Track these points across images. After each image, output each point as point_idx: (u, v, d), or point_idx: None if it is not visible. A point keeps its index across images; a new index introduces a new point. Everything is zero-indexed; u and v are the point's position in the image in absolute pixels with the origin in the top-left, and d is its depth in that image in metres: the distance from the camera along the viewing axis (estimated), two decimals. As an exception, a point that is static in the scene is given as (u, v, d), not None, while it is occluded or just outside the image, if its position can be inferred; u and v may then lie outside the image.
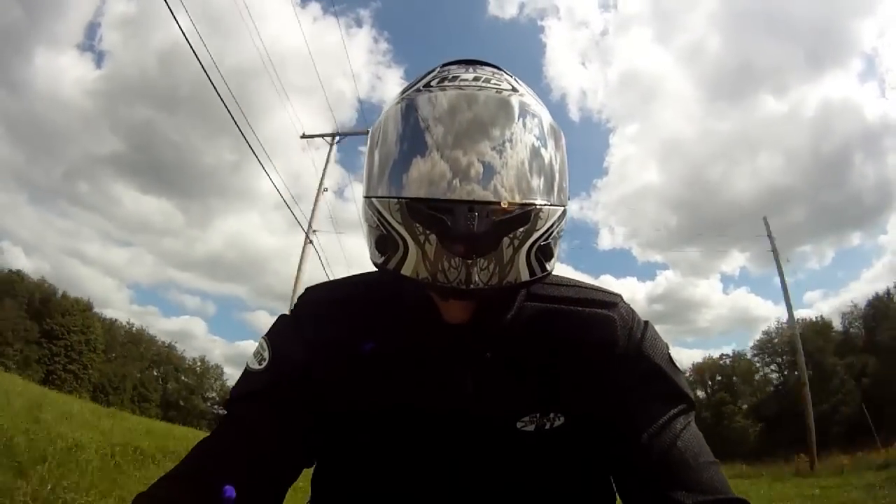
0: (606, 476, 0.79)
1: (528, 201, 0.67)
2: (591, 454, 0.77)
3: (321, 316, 0.82)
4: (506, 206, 0.65)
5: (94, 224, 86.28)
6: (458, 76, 0.73)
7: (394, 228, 0.67)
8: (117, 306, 76.65)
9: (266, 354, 0.80)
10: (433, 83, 0.73)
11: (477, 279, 0.65)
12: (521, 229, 0.66)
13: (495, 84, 0.72)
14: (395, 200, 0.67)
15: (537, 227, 0.68)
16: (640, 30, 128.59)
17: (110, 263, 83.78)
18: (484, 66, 0.77)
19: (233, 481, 0.68)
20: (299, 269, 12.56)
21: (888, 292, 32.26)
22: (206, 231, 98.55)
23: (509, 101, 0.71)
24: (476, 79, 0.72)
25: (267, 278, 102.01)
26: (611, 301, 0.81)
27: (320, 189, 13.28)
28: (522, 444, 0.76)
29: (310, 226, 12.74)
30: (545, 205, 0.69)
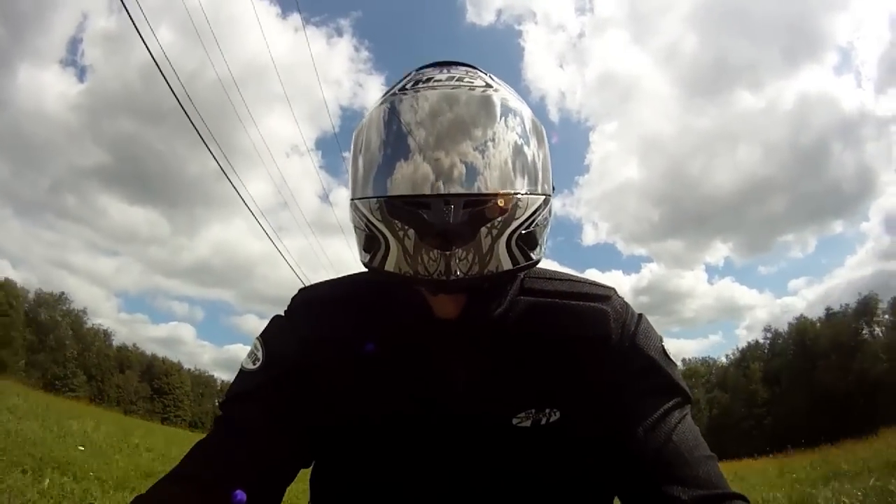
0: (603, 471, 0.77)
1: (505, 191, 0.68)
2: (588, 449, 0.76)
3: (315, 315, 0.82)
4: (482, 197, 0.66)
5: (81, 235, 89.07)
6: (432, 77, 0.73)
7: (376, 227, 0.69)
8: (106, 315, 78.62)
9: (260, 354, 0.80)
10: (408, 86, 0.74)
11: (456, 270, 0.65)
12: (499, 219, 0.67)
13: (468, 82, 0.73)
14: (376, 200, 0.69)
15: (516, 216, 0.68)
16: (617, 32, 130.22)
17: (98, 273, 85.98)
18: (458, 66, 0.77)
19: (231, 482, 0.69)
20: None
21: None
22: (192, 239, 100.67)
23: (489, 99, 0.72)
24: (450, 78, 0.73)
25: (254, 283, 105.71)
26: (604, 294, 0.80)
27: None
28: (519, 440, 0.75)
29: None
30: (524, 193, 0.69)
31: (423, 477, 0.77)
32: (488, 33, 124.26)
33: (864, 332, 36.62)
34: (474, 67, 0.78)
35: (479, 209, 0.66)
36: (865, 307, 37.22)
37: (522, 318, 0.77)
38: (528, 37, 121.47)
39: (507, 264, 0.68)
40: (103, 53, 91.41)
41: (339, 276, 0.93)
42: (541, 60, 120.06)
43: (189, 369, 60.71)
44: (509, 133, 0.71)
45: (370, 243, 0.71)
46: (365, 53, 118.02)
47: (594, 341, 0.76)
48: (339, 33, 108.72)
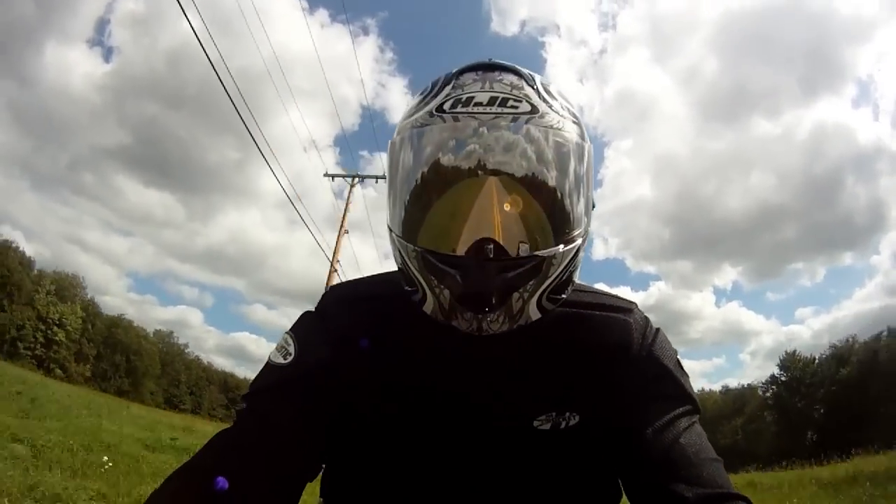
0: (614, 472, 0.79)
1: (538, 253, 0.67)
2: (601, 452, 0.78)
3: (346, 314, 0.83)
4: (518, 260, 0.66)
5: (97, 213, 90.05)
6: (472, 98, 0.70)
7: (413, 272, 0.71)
8: (115, 293, 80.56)
9: (291, 349, 0.80)
10: (446, 107, 0.70)
11: (488, 328, 0.69)
12: (531, 282, 0.67)
13: (513, 106, 0.69)
14: (412, 247, 0.69)
15: (549, 275, 0.68)
16: (638, 50, 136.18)
17: (110, 252, 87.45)
18: (502, 74, 0.72)
19: (252, 475, 0.68)
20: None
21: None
22: (206, 225, 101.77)
23: (531, 135, 0.68)
24: (492, 100, 0.69)
25: (265, 273, 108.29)
26: (627, 307, 0.83)
27: (341, 231, 13.66)
28: (538, 443, 0.77)
29: (335, 256, 13.24)
30: (558, 251, 0.69)
31: (443, 475, 0.78)
32: (511, 43, 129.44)
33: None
34: (520, 75, 0.73)
35: (514, 274, 0.67)
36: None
37: (547, 326, 0.77)
38: (551, 49, 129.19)
39: (535, 316, 0.72)
40: (131, 36, 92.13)
41: (370, 274, 0.94)
42: (562, 74, 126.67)
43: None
44: (551, 174, 0.68)
45: (408, 280, 0.74)
46: (389, 55, 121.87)
47: (615, 350, 0.78)
48: (366, 32, 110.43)
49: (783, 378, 43.18)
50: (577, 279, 0.77)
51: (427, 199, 0.70)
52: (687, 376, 0.82)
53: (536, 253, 0.67)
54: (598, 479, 0.82)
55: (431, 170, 0.70)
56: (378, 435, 0.80)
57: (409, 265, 0.71)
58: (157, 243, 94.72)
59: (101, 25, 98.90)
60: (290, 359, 0.79)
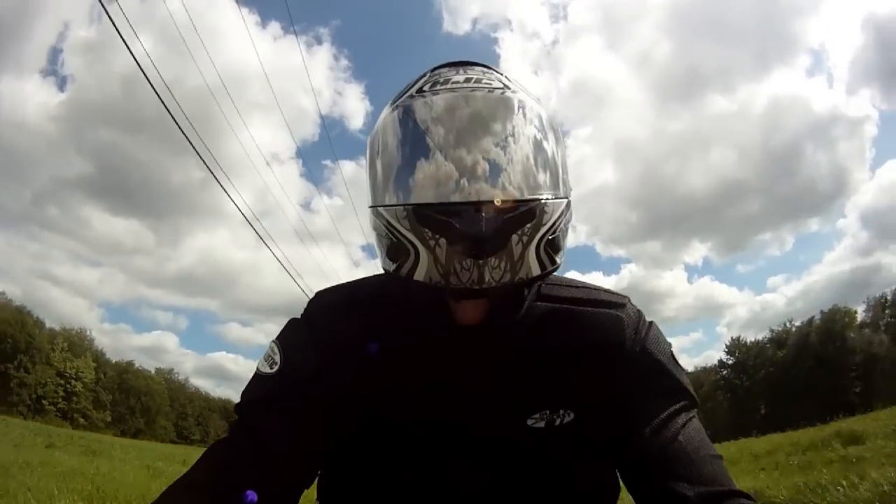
0: (612, 470, 0.80)
1: (533, 197, 0.68)
2: (598, 449, 0.78)
3: (332, 319, 0.82)
4: (512, 204, 0.66)
5: (65, 246, 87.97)
6: (449, 79, 0.73)
7: (403, 236, 0.68)
8: (89, 325, 75.46)
9: (277, 358, 0.80)
10: (426, 88, 0.73)
11: (489, 278, 0.66)
12: (528, 225, 0.67)
13: (487, 83, 0.73)
14: (402, 208, 0.68)
15: (544, 222, 0.68)
16: (591, 38, 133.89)
17: (81, 284, 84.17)
18: (474, 67, 0.77)
19: (247, 487, 0.68)
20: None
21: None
22: (176, 249, 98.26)
23: (506, 99, 0.71)
24: (468, 80, 0.73)
25: (238, 292, 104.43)
26: (619, 302, 0.83)
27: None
28: (533, 441, 0.77)
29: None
30: (550, 199, 0.69)
31: (439, 477, 0.78)
32: (464, 42, 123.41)
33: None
34: (490, 68, 0.78)
35: (511, 216, 0.66)
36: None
37: (540, 323, 0.78)
38: (504, 44, 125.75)
39: (536, 270, 0.69)
40: (84, 63, 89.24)
41: (355, 279, 0.92)
42: (516, 67, 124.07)
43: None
44: (528, 129, 0.71)
45: (396, 252, 0.70)
46: (344, 62, 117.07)
47: (609, 346, 0.78)
48: (319, 41, 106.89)
49: (730, 362, 49.25)
50: (565, 249, 0.75)
51: (415, 159, 0.69)
52: (682, 370, 0.82)
53: (529, 197, 0.68)
54: (596, 476, 0.82)
55: (418, 134, 0.70)
56: (371, 439, 0.80)
57: (400, 230, 0.68)
58: (128, 271, 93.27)
59: (54, 55, 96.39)
60: (276, 367, 0.79)
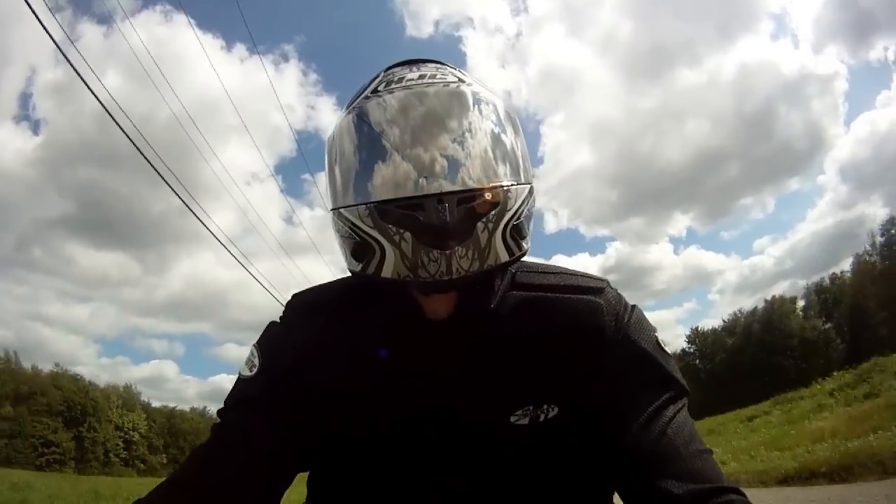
0: (600, 465, 0.77)
1: (494, 184, 0.68)
2: (586, 444, 0.76)
3: (309, 320, 0.83)
4: (474, 192, 0.66)
5: (53, 285, 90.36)
6: (403, 77, 0.74)
7: (367, 234, 0.68)
8: (86, 362, 78.42)
9: (257, 361, 0.81)
10: (381, 88, 0.73)
11: (458, 267, 0.65)
12: (493, 212, 0.67)
13: (441, 78, 0.73)
14: (364, 206, 0.68)
15: (508, 208, 0.68)
16: (553, 27, 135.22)
17: (73, 321, 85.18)
18: (427, 63, 0.77)
19: (228, 487, 0.70)
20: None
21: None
22: (163, 276, 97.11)
23: (461, 93, 0.71)
24: (422, 77, 0.73)
25: (229, 312, 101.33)
26: (597, 287, 0.80)
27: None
28: (518, 438, 0.76)
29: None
30: (512, 184, 0.69)
31: (423, 478, 0.77)
32: (429, 44, 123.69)
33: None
34: (443, 63, 0.78)
35: (473, 205, 0.66)
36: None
37: (515, 313, 0.77)
38: (469, 42, 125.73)
39: (504, 256, 0.69)
40: (55, 104, 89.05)
41: (331, 280, 0.91)
42: (483, 64, 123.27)
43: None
44: (485, 122, 0.71)
45: (361, 251, 0.70)
46: (313, 76, 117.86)
47: (588, 334, 0.76)
48: (286, 59, 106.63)
49: (691, 350, 56.59)
50: (531, 234, 0.74)
51: (374, 157, 0.69)
52: (669, 356, 0.79)
53: (492, 184, 0.68)
54: (585, 472, 0.80)
55: (374, 133, 0.70)
56: (353, 439, 0.79)
57: (363, 228, 0.68)
58: (118, 303, 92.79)
59: (25, 99, 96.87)
60: (255, 370, 0.80)
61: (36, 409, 46.22)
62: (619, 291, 0.83)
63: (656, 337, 0.80)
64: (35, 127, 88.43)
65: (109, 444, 53.22)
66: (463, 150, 0.68)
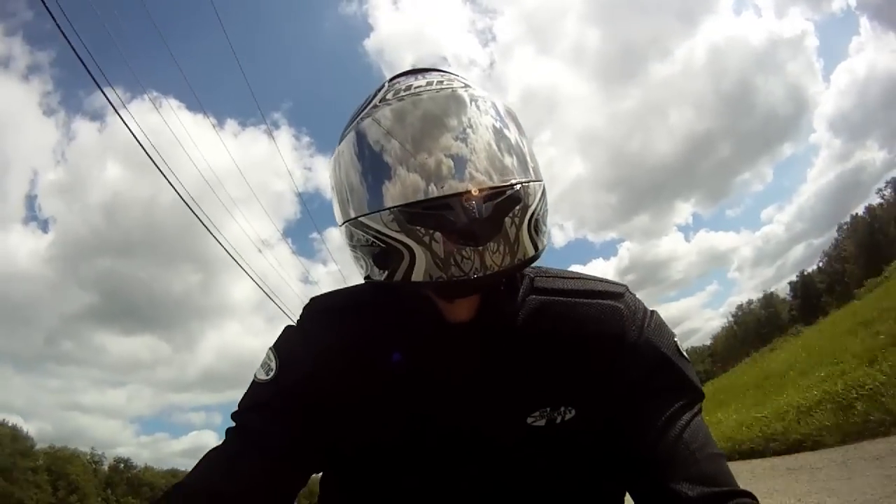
0: (615, 468, 0.76)
1: (515, 180, 0.68)
2: (602, 446, 0.76)
3: (326, 325, 0.82)
4: (495, 189, 0.66)
5: (86, 375, 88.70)
6: (410, 85, 0.74)
7: (394, 239, 0.67)
8: (126, 443, 78.35)
9: (273, 365, 0.80)
10: (389, 97, 0.73)
11: (491, 263, 0.65)
12: (517, 207, 0.67)
13: (448, 85, 0.73)
14: (388, 211, 0.67)
15: (529, 203, 0.69)
16: (523, 50, 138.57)
17: (110, 406, 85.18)
18: (431, 72, 0.77)
19: (241, 492, 0.70)
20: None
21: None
22: (193, 352, 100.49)
23: (458, 94, 0.72)
24: (429, 84, 0.73)
25: None
26: (616, 292, 0.80)
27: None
28: (534, 440, 0.76)
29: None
30: (531, 181, 0.70)
31: (439, 479, 0.77)
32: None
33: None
34: (447, 72, 0.79)
35: (501, 200, 0.66)
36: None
37: (535, 317, 0.77)
38: None
39: (531, 251, 0.69)
40: (61, 203, 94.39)
41: (348, 286, 0.91)
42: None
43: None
44: (487, 119, 0.71)
45: (385, 258, 0.68)
46: (306, 139, 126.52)
47: (607, 339, 0.76)
48: (276, 126, 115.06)
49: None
50: (547, 230, 0.74)
51: (395, 162, 0.68)
52: (687, 361, 0.79)
53: (511, 181, 0.68)
54: (601, 472, 0.79)
55: (391, 139, 0.69)
56: (369, 443, 0.79)
57: (388, 234, 0.67)
58: (153, 383, 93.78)
59: (30, 201, 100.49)
60: (272, 374, 0.79)
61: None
62: (638, 297, 0.83)
63: (676, 342, 0.80)
64: (44, 226, 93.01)
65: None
66: (467, 146, 0.68)
